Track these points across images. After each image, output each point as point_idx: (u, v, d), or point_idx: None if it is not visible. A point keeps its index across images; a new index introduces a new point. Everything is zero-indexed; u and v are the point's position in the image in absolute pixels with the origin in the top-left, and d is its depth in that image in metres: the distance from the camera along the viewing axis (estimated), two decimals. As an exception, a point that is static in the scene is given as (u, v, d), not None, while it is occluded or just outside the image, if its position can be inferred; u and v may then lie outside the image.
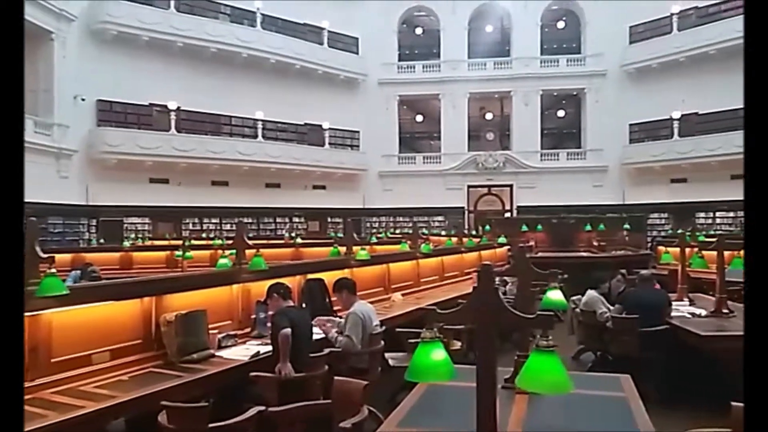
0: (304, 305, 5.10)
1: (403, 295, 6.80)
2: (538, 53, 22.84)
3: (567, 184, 21.72)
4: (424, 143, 25.91)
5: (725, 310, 5.29)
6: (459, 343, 5.28)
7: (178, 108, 18.26)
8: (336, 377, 3.18)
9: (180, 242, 10.75)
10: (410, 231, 11.70)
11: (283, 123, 21.00)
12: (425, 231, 18.79)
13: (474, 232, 15.47)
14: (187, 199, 18.45)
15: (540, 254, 12.70)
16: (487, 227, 13.23)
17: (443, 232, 16.83)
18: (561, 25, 24.19)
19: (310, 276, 5.29)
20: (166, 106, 18.10)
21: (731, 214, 19.05)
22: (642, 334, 5.08)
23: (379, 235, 16.42)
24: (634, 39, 21.74)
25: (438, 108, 23.44)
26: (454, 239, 10.00)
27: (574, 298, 6.67)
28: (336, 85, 22.10)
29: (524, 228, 13.86)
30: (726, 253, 5.62)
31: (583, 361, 6.21)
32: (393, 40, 23.29)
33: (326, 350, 4.07)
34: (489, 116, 25.43)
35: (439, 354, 1.83)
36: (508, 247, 10.90)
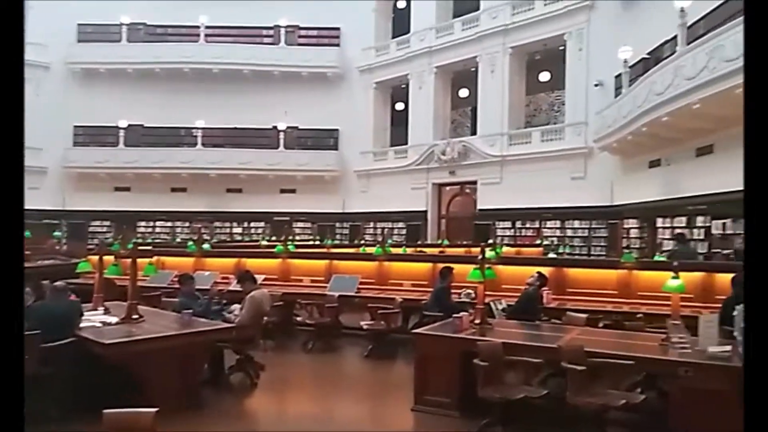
0: None
1: None
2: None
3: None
4: None
5: (135, 316, 5.45)
6: None
7: None
8: None
9: None
10: None
11: None
12: None
13: None
14: None
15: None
16: None
17: None
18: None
19: None
20: None
21: (176, 224, 20.70)
22: (44, 350, 4.64)
23: None
24: (82, 38, 20.90)
25: None
26: None
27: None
28: None
29: None
30: (139, 261, 5.84)
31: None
32: None
33: None
34: None
35: None
36: None
